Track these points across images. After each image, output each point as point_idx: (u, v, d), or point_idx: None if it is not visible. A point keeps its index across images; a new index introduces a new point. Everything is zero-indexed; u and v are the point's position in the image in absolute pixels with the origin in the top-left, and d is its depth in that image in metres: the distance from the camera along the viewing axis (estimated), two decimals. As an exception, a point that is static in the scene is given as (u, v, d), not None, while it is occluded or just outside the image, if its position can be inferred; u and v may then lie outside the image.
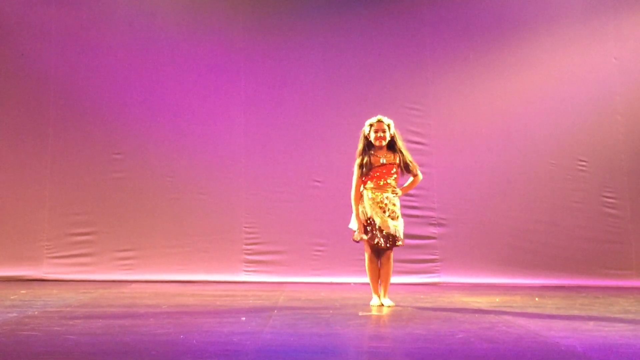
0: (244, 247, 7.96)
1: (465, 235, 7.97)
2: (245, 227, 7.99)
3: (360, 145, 5.62)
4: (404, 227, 5.56)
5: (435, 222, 8.00)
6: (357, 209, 5.51)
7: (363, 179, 5.52)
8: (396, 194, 5.50)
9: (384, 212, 5.44)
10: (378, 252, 5.51)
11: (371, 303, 5.53)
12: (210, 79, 8.25)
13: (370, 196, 5.47)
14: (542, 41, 8.27)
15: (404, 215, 7.95)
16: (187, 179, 8.08)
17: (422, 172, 8.00)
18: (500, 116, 8.23)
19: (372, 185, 5.49)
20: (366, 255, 5.55)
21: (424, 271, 7.89)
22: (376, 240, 5.42)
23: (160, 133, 8.14)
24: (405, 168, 5.55)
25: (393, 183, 5.52)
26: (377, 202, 5.44)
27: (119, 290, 6.69)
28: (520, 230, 7.99)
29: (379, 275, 5.54)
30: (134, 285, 7.37)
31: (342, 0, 8.41)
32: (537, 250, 7.95)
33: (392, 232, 5.42)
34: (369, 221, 5.45)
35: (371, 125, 5.61)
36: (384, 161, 5.52)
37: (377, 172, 5.50)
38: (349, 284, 7.66)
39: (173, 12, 8.39)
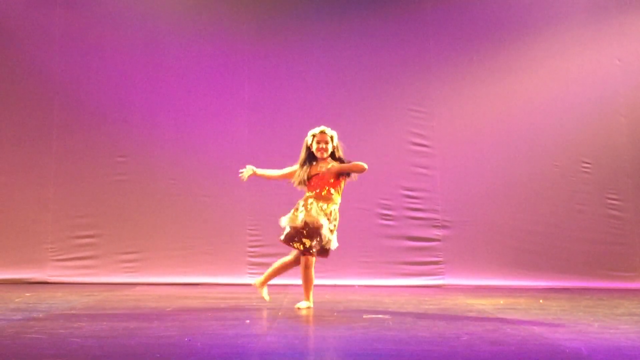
0: (248, 249, 7.96)
1: (469, 238, 7.97)
2: (249, 229, 7.99)
3: (302, 155, 5.62)
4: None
5: (439, 224, 7.99)
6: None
7: (305, 186, 5.54)
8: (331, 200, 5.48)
9: (329, 222, 5.43)
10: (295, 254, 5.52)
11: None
12: (213, 81, 8.26)
13: (316, 205, 5.44)
14: (546, 43, 8.27)
15: (408, 217, 8.02)
16: (190, 182, 8.09)
17: (426, 174, 7.97)
18: (503, 118, 8.22)
19: (313, 194, 5.47)
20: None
21: (428, 273, 7.88)
22: (314, 244, 5.39)
23: (163, 136, 8.15)
24: (347, 175, 5.52)
25: (335, 194, 5.49)
26: (324, 211, 5.43)
27: (123, 293, 6.70)
28: (524, 232, 7.98)
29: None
30: (138, 287, 7.37)
31: (345, 2, 8.42)
32: (541, 252, 7.94)
33: (327, 246, 5.46)
34: (310, 225, 5.38)
35: (314, 135, 5.61)
36: (323, 169, 5.49)
37: (316, 181, 5.50)
38: (353, 286, 7.66)
39: (176, 15, 8.41)
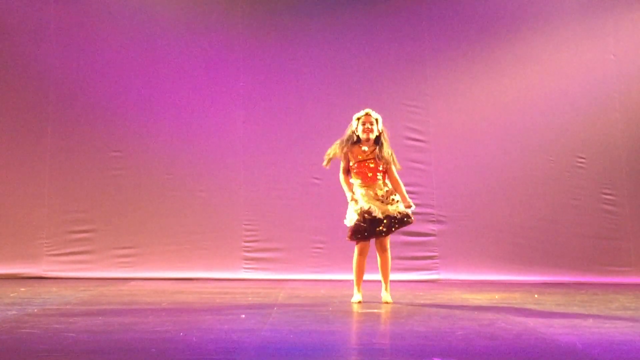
0: (244, 244, 7.96)
1: (464, 232, 7.98)
2: (244, 224, 7.99)
3: (345, 137, 5.58)
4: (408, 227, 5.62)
5: (434, 219, 8.00)
6: (349, 190, 5.47)
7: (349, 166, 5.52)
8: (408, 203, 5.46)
9: (381, 202, 5.41)
10: (366, 246, 5.46)
11: (353, 300, 5.51)
12: (209, 77, 8.24)
13: (362, 191, 5.44)
14: (541, 38, 8.27)
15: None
16: (186, 177, 8.08)
17: (421, 169, 8.00)
18: (498, 113, 8.22)
19: (359, 181, 5.47)
20: (356, 249, 5.49)
21: (423, 268, 7.89)
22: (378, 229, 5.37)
23: (159, 130, 8.13)
24: (383, 158, 5.48)
25: (380, 177, 5.48)
26: (372, 196, 5.42)
27: (118, 288, 6.69)
28: (519, 227, 8.00)
29: (364, 270, 5.52)
30: (133, 282, 7.37)
31: (341, -3, 8.41)
32: (536, 247, 7.96)
33: (393, 215, 5.39)
34: (364, 215, 5.38)
35: (358, 118, 5.60)
36: (366, 150, 5.47)
37: (361, 165, 5.48)
38: (349, 281, 7.66)
39: (172, 9, 8.37)
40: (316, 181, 8.01)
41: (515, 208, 8.02)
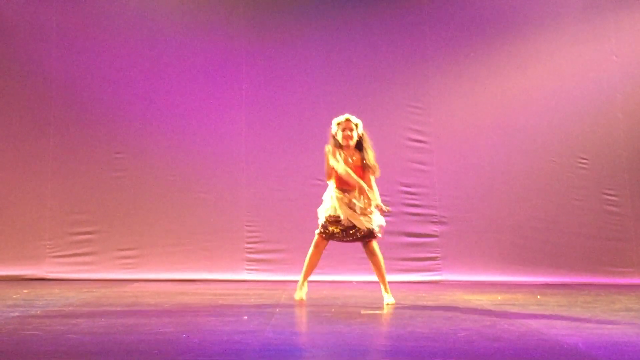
0: (246, 245, 7.96)
1: (467, 233, 7.97)
2: (247, 225, 7.99)
3: (331, 145, 5.56)
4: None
5: (436, 220, 8.00)
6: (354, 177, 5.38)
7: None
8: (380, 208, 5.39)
9: (353, 211, 5.40)
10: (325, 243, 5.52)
11: (296, 296, 5.53)
12: (211, 78, 8.25)
13: (338, 195, 5.43)
14: (543, 39, 8.27)
15: (405, 213, 8.01)
16: (188, 178, 8.08)
17: (423, 171, 8.01)
18: (500, 114, 8.22)
19: (339, 185, 5.46)
20: (314, 242, 5.56)
21: (425, 269, 7.89)
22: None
23: (161, 132, 8.14)
24: (369, 168, 5.47)
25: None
26: (346, 202, 5.42)
27: (121, 289, 6.70)
28: (521, 227, 7.99)
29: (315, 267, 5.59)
30: (135, 284, 7.37)
31: (342, -2, 8.42)
32: (539, 248, 7.95)
33: (360, 227, 5.40)
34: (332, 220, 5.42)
35: (339, 123, 5.59)
36: (351, 161, 5.47)
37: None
38: (351, 282, 7.66)
39: (174, 11, 8.39)
40: (318, 182, 8.00)
41: (517, 209, 8.02)
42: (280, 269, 7.86)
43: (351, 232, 5.43)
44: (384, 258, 5.58)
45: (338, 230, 5.45)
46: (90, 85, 8.19)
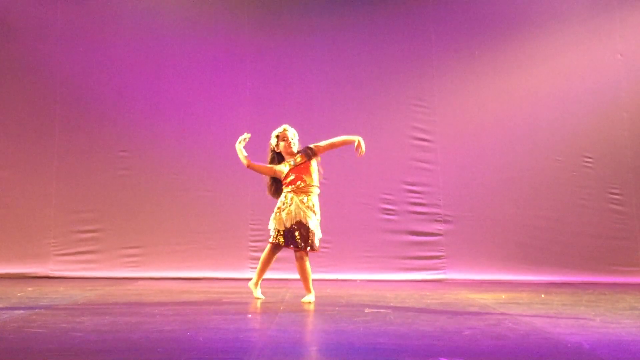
0: (250, 243, 7.97)
1: (471, 232, 7.97)
2: (251, 223, 8.00)
3: (269, 159, 5.62)
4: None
5: (440, 219, 7.99)
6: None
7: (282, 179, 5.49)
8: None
9: (315, 213, 5.41)
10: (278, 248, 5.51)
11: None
12: (215, 77, 8.26)
13: (296, 200, 5.42)
14: (548, 38, 8.25)
15: (410, 211, 8.01)
16: (192, 176, 8.09)
17: (428, 169, 8.00)
18: (505, 113, 8.21)
19: (293, 189, 5.45)
20: (270, 246, 5.51)
21: (429, 268, 7.88)
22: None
23: (165, 130, 8.16)
24: (310, 154, 5.51)
25: (313, 186, 5.47)
26: (305, 204, 5.41)
27: (125, 288, 6.71)
28: (526, 226, 7.99)
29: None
30: (140, 282, 7.38)
31: (347, -3, 8.42)
32: (543, 246, 7.94)
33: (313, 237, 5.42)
34: (296, 226, 5.39)
35: (277, 136, 5.60)
36: (297, 161, 5.49)
37: (292, 174, 5.47)
38: (355, 280, 7.67)
39: (178, 10, 8.40)
40: (322, 181, 8.01)
41: (522, 208, 8.01)
42: (284, 267, 7.83)
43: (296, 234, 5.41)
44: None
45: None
46: (95, 84, 8.21)
